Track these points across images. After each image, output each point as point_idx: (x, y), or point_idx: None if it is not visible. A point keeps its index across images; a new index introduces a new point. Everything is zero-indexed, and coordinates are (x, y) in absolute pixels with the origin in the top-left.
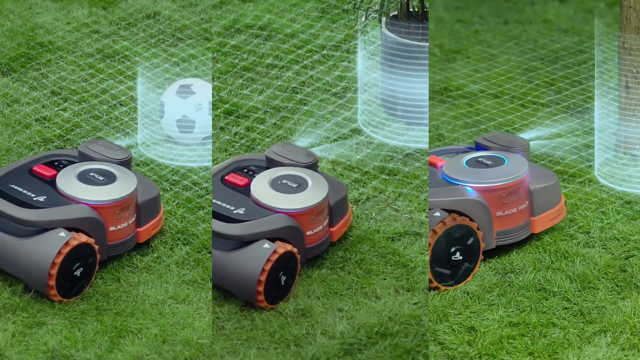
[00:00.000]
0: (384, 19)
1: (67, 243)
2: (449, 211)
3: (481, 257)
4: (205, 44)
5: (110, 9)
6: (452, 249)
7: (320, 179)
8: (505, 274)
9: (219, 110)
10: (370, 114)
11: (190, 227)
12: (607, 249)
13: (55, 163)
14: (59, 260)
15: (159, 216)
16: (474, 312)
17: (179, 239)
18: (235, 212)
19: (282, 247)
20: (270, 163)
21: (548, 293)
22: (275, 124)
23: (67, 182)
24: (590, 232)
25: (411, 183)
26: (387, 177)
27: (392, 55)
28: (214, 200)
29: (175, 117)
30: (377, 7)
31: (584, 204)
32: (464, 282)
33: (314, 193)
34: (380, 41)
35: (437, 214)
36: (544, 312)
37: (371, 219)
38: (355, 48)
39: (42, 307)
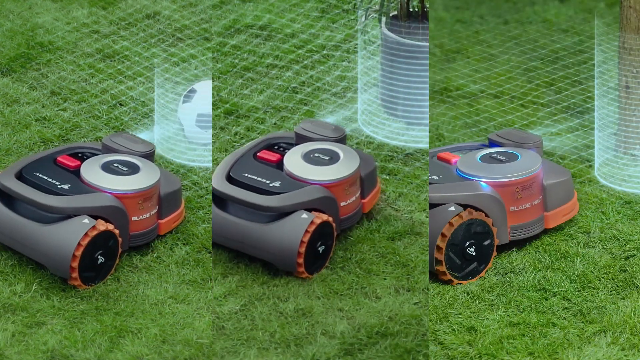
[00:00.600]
0: (384, 19)
1: (91, 229)
2: (464, 206)
3: (494, 253)
4: (205, 44)
5: (110, 9)
6: (467, 243)
7: (351, 151)
8: (505, 274)
9: (219, 110)
10: (370, 114)
11: (190, 227)
12: (607, 249)
13: (79, 154)
14: (83, 244)
15: (180, 209)
16: (474, 312)
17: (179, 239)
18: (271, 185)
19: (319, 217)
20: (300, 139)
21: (548, 293)
22: (275, 124)
23: (91, 171)
24: (590, 232)
25: (411, 183)
26: (387, 177)
27: (392, 55)
28: (248, 175)
29: (200, 109)
30: (377, 7)
31: (584, 204)
32: (467, 281)
33: (346, 165)
34: (380, 41)
35: (452, 208)
36: (544, 312)
37: (371, 218)
38: (355, 48)
39: (42, 306)
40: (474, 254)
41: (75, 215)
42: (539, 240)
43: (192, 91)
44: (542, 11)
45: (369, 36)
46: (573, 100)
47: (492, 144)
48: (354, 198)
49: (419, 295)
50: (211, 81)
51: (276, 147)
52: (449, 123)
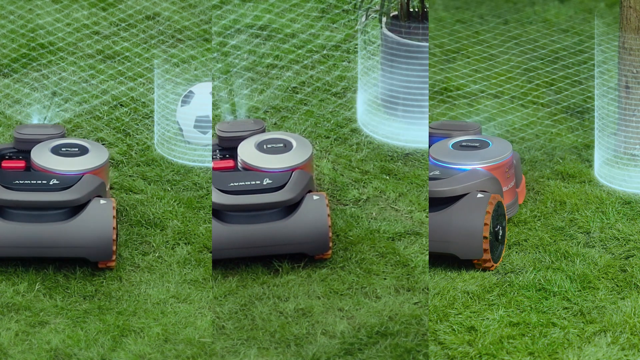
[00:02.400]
0: (384, 19)
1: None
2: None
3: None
4: (205, 45)
5: (111, 10)
6: (497, 228)
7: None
8: (505, 274)
9: (219, 110)
10: (370, 114)
11: (191, 227)
12: (607, 249)
13: (7, 156)
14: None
15: None
16: (474, 312)
17: (180, 238)
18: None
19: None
20: (221, 141)
21: (548, 293)
22: (275, 123)
23: (43, 156)
24: (590, 232)
25: (411, 183)
26: (387, 177)
27: (392, 55)
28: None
29: (198, 112)
30: (377, 7)
31: (584, 204)
32: (497, 263)
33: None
34: (380, 41)
35: (480, 195)
36: (544, 312)
37: (371, 218)
38: (355, 48)
39: (45, 306)
40: (502, 235)
41: (89, 201)
42: (539, 240)
43: (190, 94)
44: (542, 11)
45: (369, 36)
46: (573, 100)
47: (433, 137)
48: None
49: (419, 295)
50: (211, 82)
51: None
52: None
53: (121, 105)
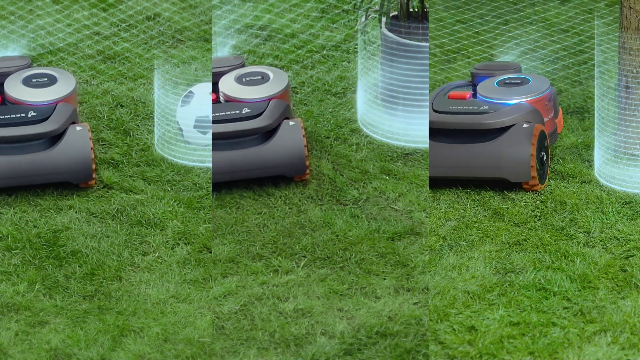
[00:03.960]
0: (384, 19)
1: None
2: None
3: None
4: (205, 45)
5: (111, 10)
6: (541, 154)
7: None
8: (505, 274)
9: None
10: (370, 114)
11: (191, 227)
12: (607, 249)
13: None
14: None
15: None
16: (474, 312)
17: (180, 238)
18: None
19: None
20: (214, 76)
21: (548, 293)
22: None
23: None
24: (590, 232)
25: (411, 183)
26: (387, 177)
27: (392, 55)
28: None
29: (198, 112)
30: (377, 7)
31: (584, 204)
32: (546, 180)
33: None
34: (380, 41)
35: (525, 125)
36: (544, 311)
37: (371, 219)
38: (355, 48)
39: (45, 306)
40: (545, 157)
41: (67, 129)
42: (539, 240)
43: (190, 94)
44: (542, 11)
45: (369, 36)
46: (573, 100)
47: (478, 77)
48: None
49: (419, 296)
50: (211, 83)
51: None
52: None
53: (121, 105)
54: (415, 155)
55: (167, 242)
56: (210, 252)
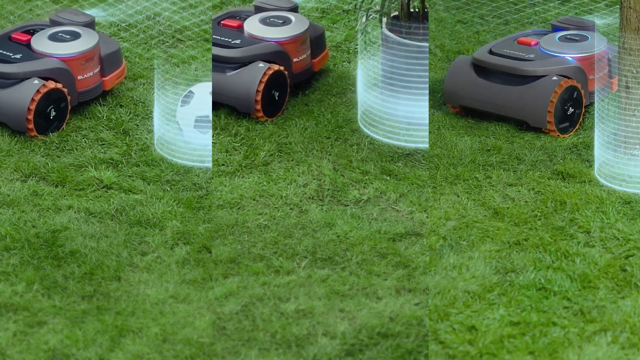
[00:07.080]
0: (384, 20)
1: (42, 87)
2: (563, 76)
3: (583, 111)
4: (205, 45)
5: (111, 10)
6: (567, 106)
7: (301, 17)
8: (505, 274)
9: (219, 109)
10: (370, 114)
11: (190, 227)
12: (607, 249)
13: (31, 31)
14: (36, 100)
15: (121, 68)
16: (474, 312)
17: (179, 238)
18: (232, 42)
19: (273, 67)
20: (258, 10)
21: (548, 292)
22: (275, 123)
23: (40, 41)
24: (590, 232)
25: (412, 184)
26: (388, 178)
27: (392, 55)
28: (214, 36)
29: (198, 112)
30: (377, 7)
31: (584, 203)
32: (577, 126)
33: (297, 26)
34: (380, 41)
35: (555, 77)
36: (545, 311)
37: (372, 219)
38: (355, 48)
39: (43, 306)
40: (572, 109)
41: (27, 79)
42: (539, 240)
43: (190, 94)
44: (542, 11)
45: (370, 36)
46: None
47: (556, 28)
48: (305, 56)
49: (420, 296)
50: (211, 83)
51: (237, 17)
52: (449, 123)
53: (121, 105)
54: (416, 155)
55: (166, 242)
56: (210, 253)
